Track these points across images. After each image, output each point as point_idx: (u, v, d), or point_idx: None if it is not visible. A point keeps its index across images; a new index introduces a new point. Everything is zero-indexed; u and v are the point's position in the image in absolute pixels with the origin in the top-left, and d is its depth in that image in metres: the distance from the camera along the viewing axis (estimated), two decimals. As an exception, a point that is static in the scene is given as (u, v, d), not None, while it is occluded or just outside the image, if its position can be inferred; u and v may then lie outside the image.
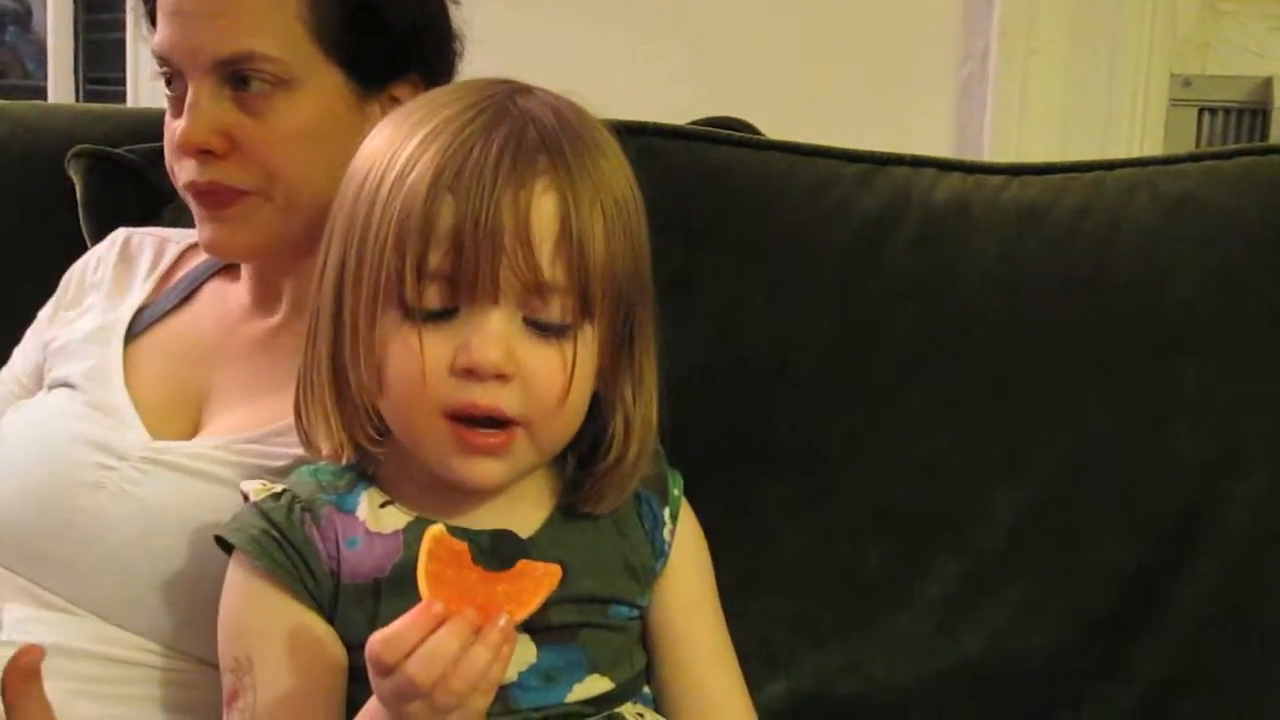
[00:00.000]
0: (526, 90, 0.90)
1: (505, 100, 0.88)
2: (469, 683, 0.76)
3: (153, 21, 1.14)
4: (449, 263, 0.83)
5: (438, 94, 0.92)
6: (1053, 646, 1.10)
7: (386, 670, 0.76)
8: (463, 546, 0.82)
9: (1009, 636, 1.10)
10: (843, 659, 1.14)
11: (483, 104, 0.87)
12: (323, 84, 1.10)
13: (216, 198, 1.09)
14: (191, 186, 1.09)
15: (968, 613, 1.11)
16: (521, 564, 0.83)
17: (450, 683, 0.75)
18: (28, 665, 0.86)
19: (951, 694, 1.12)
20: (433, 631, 0.76)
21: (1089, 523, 1.10)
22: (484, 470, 0.87)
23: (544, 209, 0.84)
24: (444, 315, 0.85)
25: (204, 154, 1.08)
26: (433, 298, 0.84)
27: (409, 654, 0.75)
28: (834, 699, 1.14)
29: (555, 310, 0.85)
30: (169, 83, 1.12)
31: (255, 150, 1.08)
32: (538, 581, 0.81)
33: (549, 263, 0.84)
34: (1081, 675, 1.09)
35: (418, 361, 0.84)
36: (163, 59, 1.10)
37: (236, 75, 1.07)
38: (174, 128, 1.10)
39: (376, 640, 0.76)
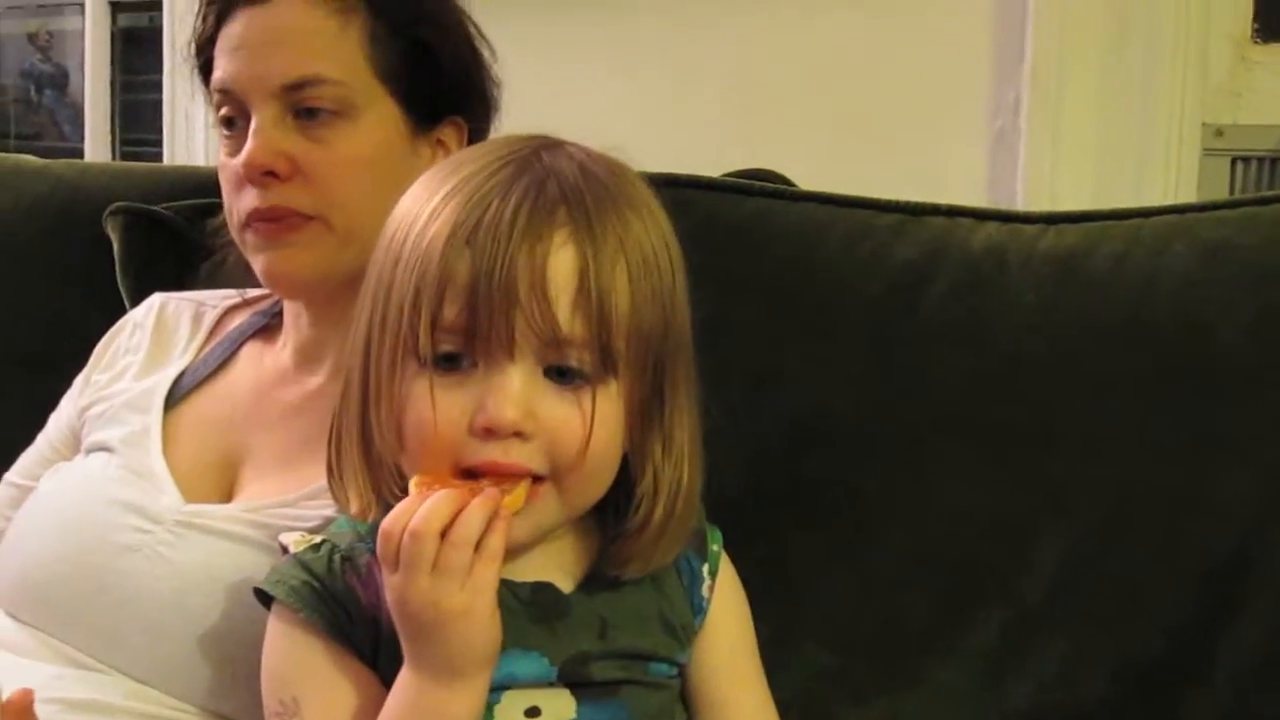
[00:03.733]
0: (556, 145, 0.89)
1: (530, 155, 0.87)
2: (468, 536, 0.79)
3: (205, 75, 1.17)
4: (464, 317, 0.82)
5: (467, 151, 0.92)
6: (1099, 697, 1.08)
7: (393, 546, 0.80)
8: (445, 464, 0.84)
9: (1055, 688, 1.09)
10: (884, 714, 1.13)
11: (507, 159, 0.87)
12: (381, 115, 1.13)
13: (280, 224, 1.10)
14: (254, 214, 1.11)
15: (1012, 664, 1.10)
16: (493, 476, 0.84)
17: (452, 536, 0.79)
18: (22, 703, 0.87)
19: (996, 748, 1.10)
20: None
21: (1135, 570, 1.08)
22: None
23: (562, 262, 0.83)
24: (461, 371, 0.84)
25: (267, 177, 1.10)
26: (446, 350, 0.84)
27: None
28: (876, 754, 1.13)
29: (574, 363, 0.84)
30: (228, 123, 1.14)
31: (317, 174, 1.10)
32: (514, 483, 0.83)
33: (567, 316, 0.83)
34: (1129, 727, 1.08)
35: (430, 419, 0.84)
36: (225, 93, 1.13)
37: (300, 103, 1.10)
38: (232, 165, 1.12)
39: (384, 522, 0.81)
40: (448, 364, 0.84)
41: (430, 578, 0.80)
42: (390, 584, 0.82)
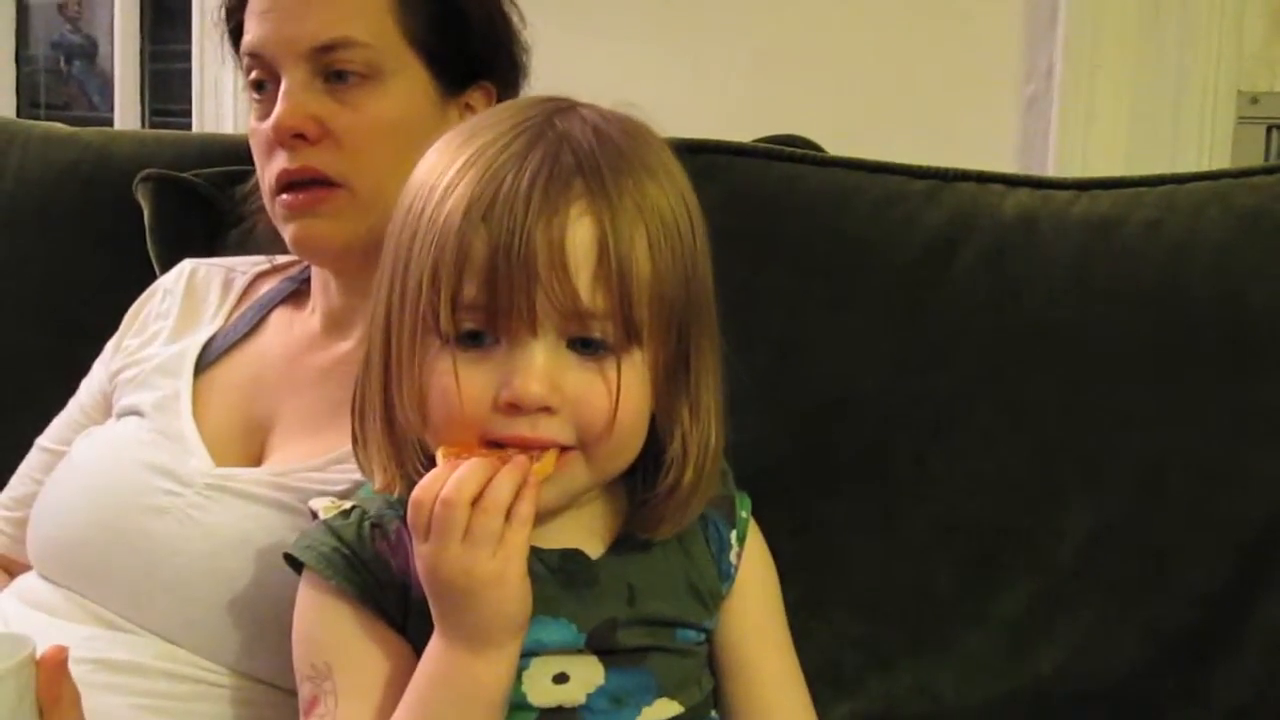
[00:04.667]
0: (570, 108, 0.88)
1: (543, 122, 0.86)
2: (499, 503, 0.80)
3: (235, 40, 1.17)
4: (484, 295, 0.82)
5: (483, 116, 0.91)
6: (1129, 667, 1.08)
7: (425, 515, 0.80)
8: (471, 437, 0.84)
9: (1084, 657, 1.08)
10: (912, 680, 1.13)
11: (521, 127, 0.85)
12: (409, 79, 1.14)
13: (308, 192, 1.11)
14: (283, 175, 1.11)
15: (1041, 632, 1.10)
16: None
17: (484, 503, 0.79)
18: (56, 660, 0.88)
19: (1024, 716, 1.10)
20: None
21: (1166, 539, 1.08)
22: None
23: (580, 234, 0.82)
24: (483, 347, 0.84)
25: (296, 139, 1.10)
26: (468, 328, 0.83)
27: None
28: (903, 721, 1.12)
29: (597, 335, 0.84)
30: (258, 86, 1.14)
31: (346, 137, 1.11)
32: (541, 450, 0.83)
33: (588, 290, 0.82)
34: (1160, 697, 1.07)
35: (455, 396, 0.83)
36: (255, 56, 1.13)
37: (329, 66, 1.11)
38: (262, 129, 1.12)
39: (414, 491, 0.81)
40: (470, 341, 0.84)
41: (461, 545, 0.80)
42: (421, 553, 0.82)
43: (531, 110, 0.88)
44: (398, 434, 0.89)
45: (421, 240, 0.84)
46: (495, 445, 0.84)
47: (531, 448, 0.83)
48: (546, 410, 0.83)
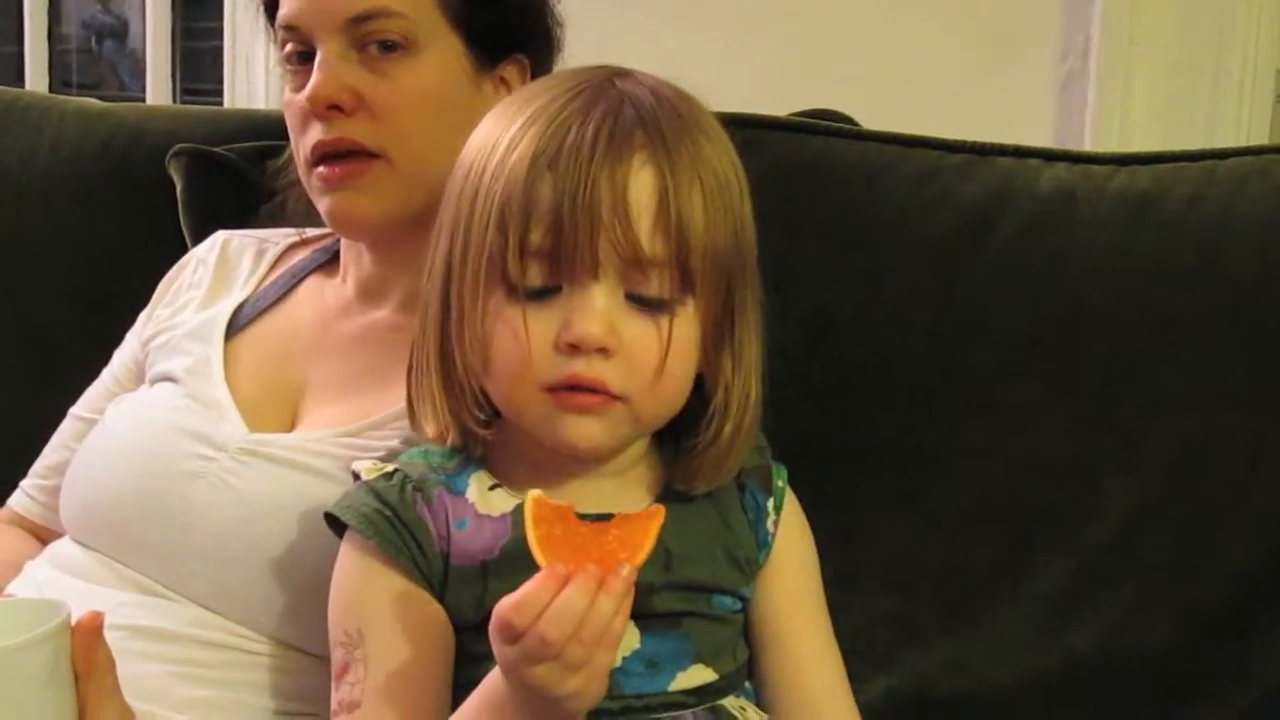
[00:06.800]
0: (626, 73, 0.92)
1: (603, 82, 0.90)
2: (596, 634, 0.77)
3: (270, 14, 1.17)
4: (550, 240, 0.84)
5: (536, 84, 0.95)
6: (1167, 645, 1.07)
7: (516, 635, 0.76)
8: (567, 505, 0.82)
9: (1121, 634, 1.08)
10: (945, 657, 1.12)
11: (581, 87, 0.89)
12: (444, 50, 1.13)
13: (345, 165, 1.11)
14: (319, 147, 1.11)
15: (1077, 610, 1.09)
16: (621, 516, 0.83)
17: (581, 635, 0.76)
18: (92, 625, 0.88)
19: (1059, 693, 1.10)
20: (559, 591, 0.76)
21: (1204, 517, 1.07)
22: (582, 429, 0.87)
23: (642, 184, 0.85)
24: (547, 293, 0.86)
25: (332, 110, 1.10)
26: (535, 275, 0.86)
27: (539, 615, 0.76)
28: (936, 697, 1.12)
29: (655, 285, 0.86)
30: (293, 60, 1.14)
31: (382, 108, 1.11)
32: (645, 523, 0.82)
33: (648, 237, 0.85)
34: (1197, 675, 1.07)
35: (522, 340, 0.85)
36: (290, 29, 1.13)
37: (364, 37, 1.11)
38: (298, 100, 1.12)
39: (507, 605, 0.77)
40: (537, 295, 0.86)
41: (548, 667, 0.77)
42: (502, 655, 0.79)
43: (589, 74, 0.92)
44: (455, 382, 0.91)
45: (485, 193, 0.87)
46: (552, 391, 0.85)
47: (586, 388, 0.85)
48: (603, 352, 0.85)
